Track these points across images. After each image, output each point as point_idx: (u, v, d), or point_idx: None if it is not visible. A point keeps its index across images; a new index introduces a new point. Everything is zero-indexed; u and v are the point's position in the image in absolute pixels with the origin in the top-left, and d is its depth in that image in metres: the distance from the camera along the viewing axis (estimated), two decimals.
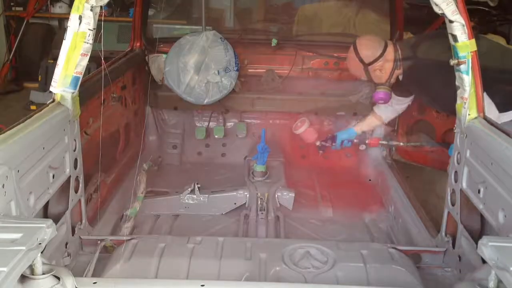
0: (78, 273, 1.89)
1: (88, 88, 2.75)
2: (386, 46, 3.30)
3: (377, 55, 3.27)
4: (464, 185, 2.52)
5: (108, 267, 2.37)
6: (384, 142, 3.97)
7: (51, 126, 2.36)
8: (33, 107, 6.18)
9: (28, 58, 7.52)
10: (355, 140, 3.91)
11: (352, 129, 3.94)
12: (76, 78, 2.48)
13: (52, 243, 2.30)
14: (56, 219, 2.36)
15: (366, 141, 3.94)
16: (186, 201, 3.55)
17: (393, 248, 2.62)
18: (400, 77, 3.37)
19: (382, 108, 3.73)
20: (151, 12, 4.63)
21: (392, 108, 3.72)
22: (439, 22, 3.99)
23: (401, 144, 3.90)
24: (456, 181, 2.62)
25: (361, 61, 3.32)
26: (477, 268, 1.94)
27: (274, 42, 4.41)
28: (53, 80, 2.47)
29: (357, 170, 4.27)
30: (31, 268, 1.53)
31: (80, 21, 2.39)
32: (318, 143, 3.93)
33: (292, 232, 3.26)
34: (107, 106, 3.23)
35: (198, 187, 3.58)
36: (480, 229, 2.42)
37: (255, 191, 3.57)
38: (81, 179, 2.72)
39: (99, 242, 2.67)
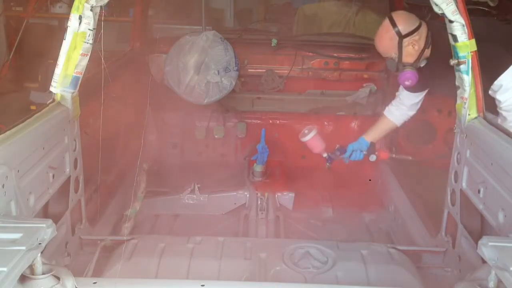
0: (78, 273, 1.89)
1: (88, 88, 2.75)
2: (420, 22, 3.08)
3: (414, 28, 3.04)
4: (464, 185, 2.52)
5: (108, 267, 2.37)
6: (394, 155, 3.62)
7: (51, 126, 2.36)
8: (33, 107, 6.16)
9: (28, 58, 7.51)
10: (364, 152, 3.47)
11: (363, 138, 3.49)
12: (76, 78, 2.48)
13: (52, 243, 2.29)
14: (56, 219, 2.35)
15: (376, 152, 3.50)
16: (186, 201, 3.55)
17: (393, 248, 2.62)
18: (423, 63, 3.14)
19: (393, 110, 3.43)
20: (151, 12, 4.64)
21: (404, 107, 3.41)
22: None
23: (410, 158, 3.58)
24: (456, 181, 2.62)
25: (398, 32, 3.05)
26: (477, 268, 1.94)
27: (274, 42, 4.41)
28: (53, 80, 2.47)
29: (357, 170, 4.27)
30: (31, 268, 1.53)
31: (80, 21, 2.39)
32: (325, 155, 3.54)
33: (292, 232, 3.27)
34: (107, 106, 3.23)
35: (198, 187, 3.58)
36: (480, 229, 2.42)
37: (255, 191, 3.57)
38: (81, 179, 2.72)
39: (99, 242, 2.67)
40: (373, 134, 3.50)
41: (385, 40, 3.11)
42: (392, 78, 4.28)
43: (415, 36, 3.02)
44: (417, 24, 3.04)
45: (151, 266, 2.35)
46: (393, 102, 3.44)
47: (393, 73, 3.32)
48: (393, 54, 3.09)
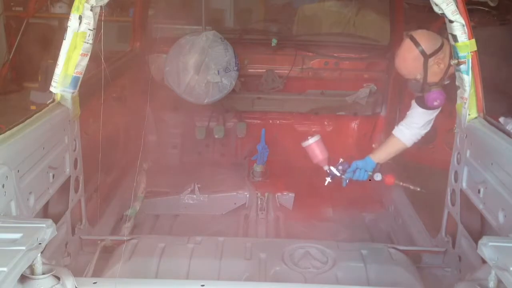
0: (78, 273, 1.89)
1: (88, 88, 2.76)
2: (443, 39, 2.93)
3: (439, 46, 2.91)
4: (464, 185, 2.52)
5: (108, 267, 2.37)
6: (400, 183, 3.34)
7: (51, 126, 2.36)
8: (33, 107, 6.16)
9: (28, 58, 7.51)
10: (369, 173, 3.25)
11: (369, 158, 3.27)
12: (76, 78, 2.49)
13: (52, 243, 2.29)
14: (56, 219, 2.35)
15: (382, 175, 3.28)
16: (186, 201, 3.55)
17: (393, 248, 2.62)
18: (447, 81, 2.98)
19: (404, 130, 3.24)
20: (151, 12, 4.64)
21: (417, 126, 3.22)
22: (439, 22, 3.97)
23: (418, 189, 3.31)
24: (456, 181, 2.62)
25: (422, 52, 2.90)
26: (477, 268, 1.94)
27: (274, 42, 4.41)
28: (53, 80, 2.47)
29: None
30: (31, 268, 1.53)
31: (80, 21, 2.39)
32: (326, 168, 3.32)
33: (292, 232, 3.26)
34: (107, 106, 3.23)
35: (198, 187, 3.59)
36: (480, 229, 2.42)
37: (255, 191, 3.58)
38: (81, 179, 2.72)
39: (99, 242, 2.67)
40: (381, 155, 3.31)
41: (409, 61, 2.96)
42: (392, 78, 4.29)
43: (440, 55, 2.89)
44: (440, 41, 2.91)
45: (151, 266, 2.35)
46: (404, 122, 3.26)
47: (402, 82, 3.15)
48: (418, 75, 2.95)
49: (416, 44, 2.91)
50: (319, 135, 3.42)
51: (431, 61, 2.90)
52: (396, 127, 3.30)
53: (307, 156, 4.02)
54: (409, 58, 2.95)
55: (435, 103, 2.98)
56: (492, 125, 2.38)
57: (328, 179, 3.29)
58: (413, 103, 3.19)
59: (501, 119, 2.73)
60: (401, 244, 2.86)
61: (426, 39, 2.93)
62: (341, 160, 3.29)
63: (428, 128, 3.22)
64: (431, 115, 3.16)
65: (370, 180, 3.55)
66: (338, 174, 3.25)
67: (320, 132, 4.22)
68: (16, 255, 1.42)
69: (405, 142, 3.24)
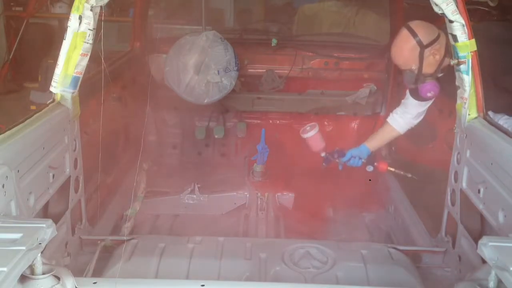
0: (78, 273, 1.89)
1: (88, 88, 2.76)
2: (439, 30, 2.96)
3: (435, 36, 2.91)
4: (464, 185, 2.53)
5: (108, 267, 2.37)
6: (392, 169, 3.51)
7: (51, 126, 2.36)
8: (33, 107, 6.16)
9: (28, 58, 7.52)
10: (363, 160, 3.43)
11: (365, 145, 3.45)
12: (76, 78, 2.49)
13: (52, 243, 2.29)
14: (56, 219, 2.35)
15: (375, 163, 3.46)
16: (186, 201, 3.55)
17: (393, 248, 2.62)
18: (441, 73, 3.00)
19: (398, 119, 3.36)
20: (151, 12, 4.64)
21: (410, 116, 3.33)
22: (439, 22, 3.96)
23: (409, 175, 3.46)
24: (456, 181, 2.62)
25: (419, 42, 2.91)
26: (477, 268, 1.94)
27: (274, 42, 4.42)
28: (53, 80, 2.47)
29: (357, 170, 4.26)
30: (31, 268, 1.53)
31: (80, 21, 2.39)
32: (323, 154, 3.54)
33: (292, 232, 3.27)
34: (107, 106, 3.23)
35: (198, 187, 3.59)
36: (480, 229, 2.42)
37: (255, 191, 3.57)
38: (81, 179, 2.72)
39: (99, 242, 2.67)
40: (375, 142, 3.46)
41: (405, 51, 2.97)
42: (392, 78, 4.29)
43: (436, 46, 2.90)
44: (437, 32, 2.92)
45: (151, 266, 2.35)
46: (398, 110, 3.37)
47: (409, 84, 3.20)
48: (414, 66, 2.96)
49: (413, 34, 2.92)
50: (316, 124, 3.60)
51: (427, 51, 2.91)
52: (390, 115, 3.42)
53: (306, 156, 4.04)
54: (405, 48, 2.96)
55: (429, 94, 3.01)
56: (492, 125, 2.38)
57: (324, 164, 3.56)
58: (407, 93, 3.28)
59: (490, 113, 2.74)
60: (401, 244, 2.86)
61: (423, 30, 2.94)
62: (336, 148, 3.52)
63: (420, 119, 3.33)
64: (424, 107, 3.27)
65: (370, 180, 3.61)
66: (333, 159, 3.50)
67: (321, 131, 4.24)
68: (16, 255, 1.42)
69: (399, 130, 3.38)
